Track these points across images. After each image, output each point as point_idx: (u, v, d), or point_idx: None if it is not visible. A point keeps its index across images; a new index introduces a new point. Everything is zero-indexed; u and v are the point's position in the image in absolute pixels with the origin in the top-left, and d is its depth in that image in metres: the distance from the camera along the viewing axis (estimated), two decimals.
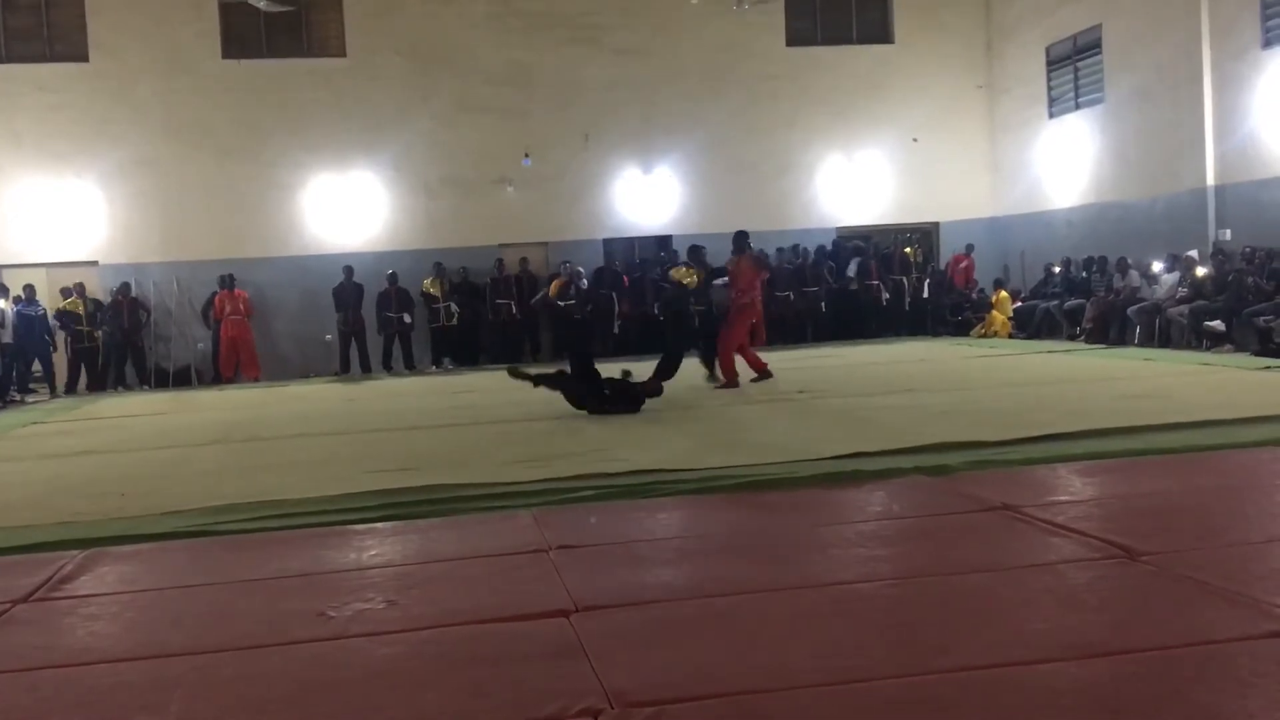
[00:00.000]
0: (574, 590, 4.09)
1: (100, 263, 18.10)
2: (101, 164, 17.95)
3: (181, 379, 17.85)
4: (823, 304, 18.75)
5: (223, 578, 4.69)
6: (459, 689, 3.21)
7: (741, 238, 12.47)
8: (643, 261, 19.29)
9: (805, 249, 19.35)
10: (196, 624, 4.04)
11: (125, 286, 17.38)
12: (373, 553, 5.03)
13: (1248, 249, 14.01)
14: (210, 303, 17.69)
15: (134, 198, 18.17)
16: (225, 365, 17.61)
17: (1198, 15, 15.02)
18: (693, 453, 7.21)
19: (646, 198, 19.62)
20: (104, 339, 17.14)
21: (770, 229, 19.48)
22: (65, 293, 16.95)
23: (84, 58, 18.06)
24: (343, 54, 18.78)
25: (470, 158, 19.00)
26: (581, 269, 18.56)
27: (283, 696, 3.25)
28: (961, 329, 18.62)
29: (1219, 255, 14.39)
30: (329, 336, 18.26)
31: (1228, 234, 14.83)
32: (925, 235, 20.63)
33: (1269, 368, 10.94)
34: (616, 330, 18.42)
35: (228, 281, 17.58)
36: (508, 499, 6.01)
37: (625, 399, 9.85)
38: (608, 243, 19.49)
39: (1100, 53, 17.34)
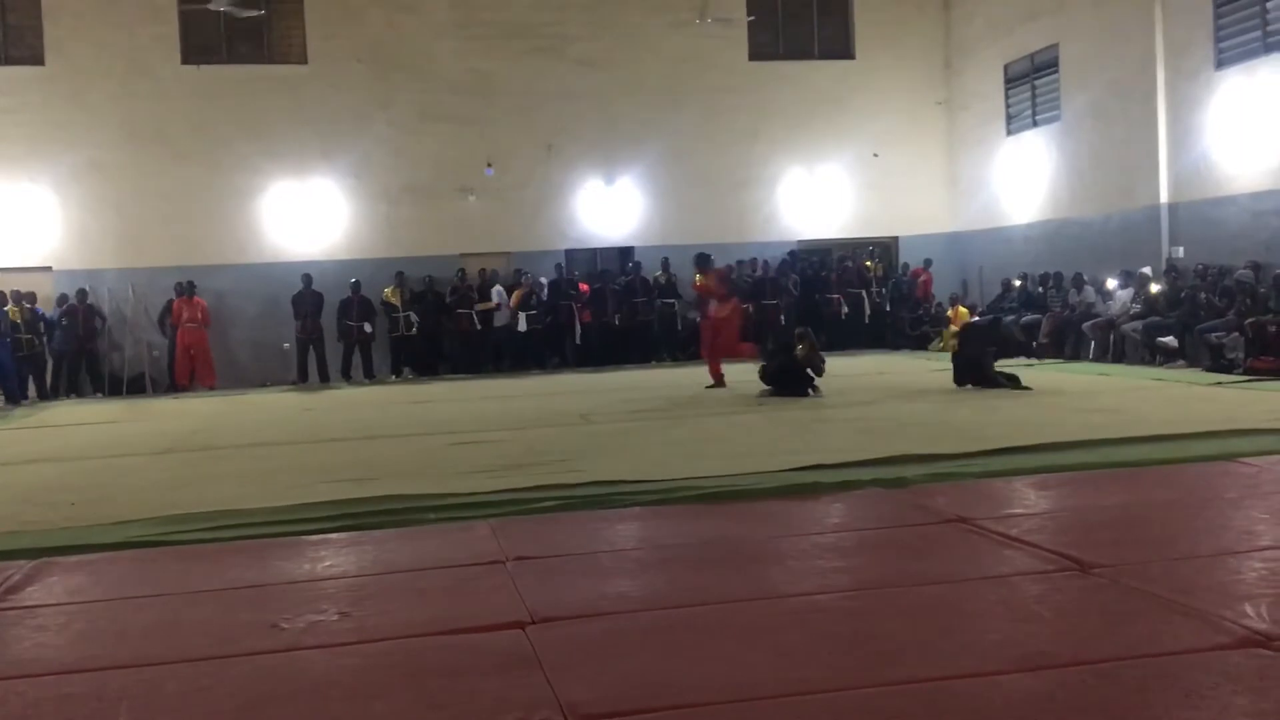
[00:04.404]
0: (530, 601, 4.07)
1: (54, 268, 17.85)
2: (56, 168, 17.72)
3: (136, 387, 17.62)
4: (782, 316, 18.83)
5: (174, 589, 4.63)
6: (412, 701, 3.18)
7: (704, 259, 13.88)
8: (604, 272, 19.31)
9: (766, 261, 19.44)
10: (146, 635, 3.97)
11: (81, 293, 17.13)
12: (327, 564, 4.98)
13: (1200, 266, 14.24)
14: (168, 309, 17.49)
15: (89, 203, 17.95)
16: (180, 373, 17.40)
17: (1152, 36, 15.27)
18: (652, 464, 7.21)
19: (609, 209, 19.64)
20: (57, 346, 16.88)
21: (731, 241, 19.57)
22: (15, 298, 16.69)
23: (40, 61, 17.84)
24: (304, 61, 18.68)
25: (432, 166, 18.93)
26: (543, 279, 18.56)
27: (233, 709, 3.20)
28: (920, 343, 18.76)
29: (1172, 272, 14.61)
30: (287, 345, 18.11)
31: (1181, 251, 15.06)
32: (885, 249, 20.80)
33: (1220, 383, 11.12)
34: (579, 340, 18.41)
35: (186, 288, 17.39)
36: (466, 509, 5.97)
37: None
38: (569, 253, 19.47)
39: (1057, 71, 17.59)
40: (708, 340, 13.34)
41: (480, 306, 18.06)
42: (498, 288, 18.25)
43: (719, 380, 13.02)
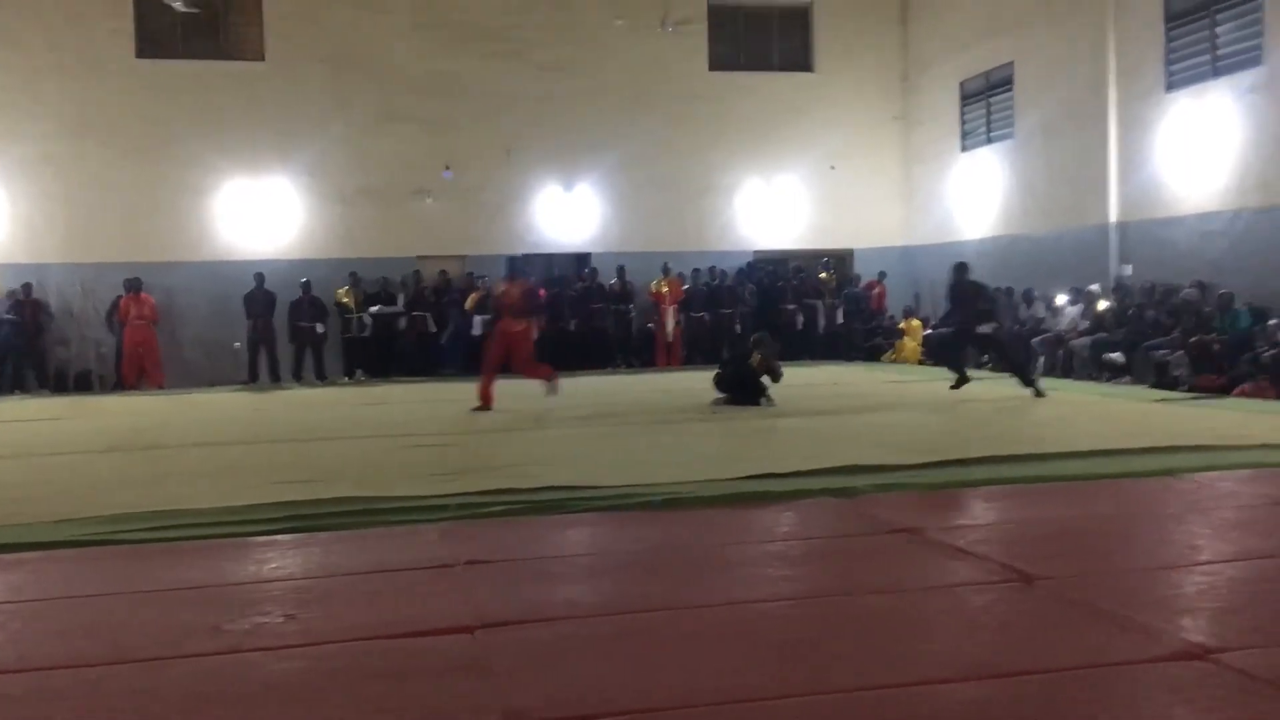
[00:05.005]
0: (479, 606, 4.06)
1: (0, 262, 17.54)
2: (4, 160, 17.51)
3: (82, 384, 17.36)
4: (738, 325, 18.90)
5: (115, 588, 4.56)
6: (356, 705, 3.16)
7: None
8: (559, 277, 19.31)
9: (723, 270, 19.55)
10: (85, 635, 3.91)
11: (26, 287, 16.85)
12: (273, 565, 4.92)
13: (1147, 284, 14.48)
14: (115, 306, 17.23)
15: (37, 196, 17.66)
16: (128, 371, 17.16)
17: (1105, 58, 15.53)
18: (604, 470, 7.21)
19: (567, 214, 19.64)
20: (2, 341, 16.57)
21: (689, 250, 19.67)
22: None
23: None
24: (261, 58, 18.52)
25: (389, 167, 18.83)
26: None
27: (173, 711, 3.16)
28: (873, 354, 18.92)
29: (1120, 290, 14.85)
30: (238, 344, 17.91)
31: (1129, 269, 15.31)
32: (840, 261, 20.97)
33: (1164, 400, 11.30)
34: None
35: (134, 285, 17.15)
36: (416, 513, 5.93)
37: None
38: (526, 259, 19.43)
39: (1011, 90, 17.83)
40: (496, 354, 11.96)
41: (375, 309, 17.96)
42: (402, 295, 18.15)
43: (486, 402, 11.69)
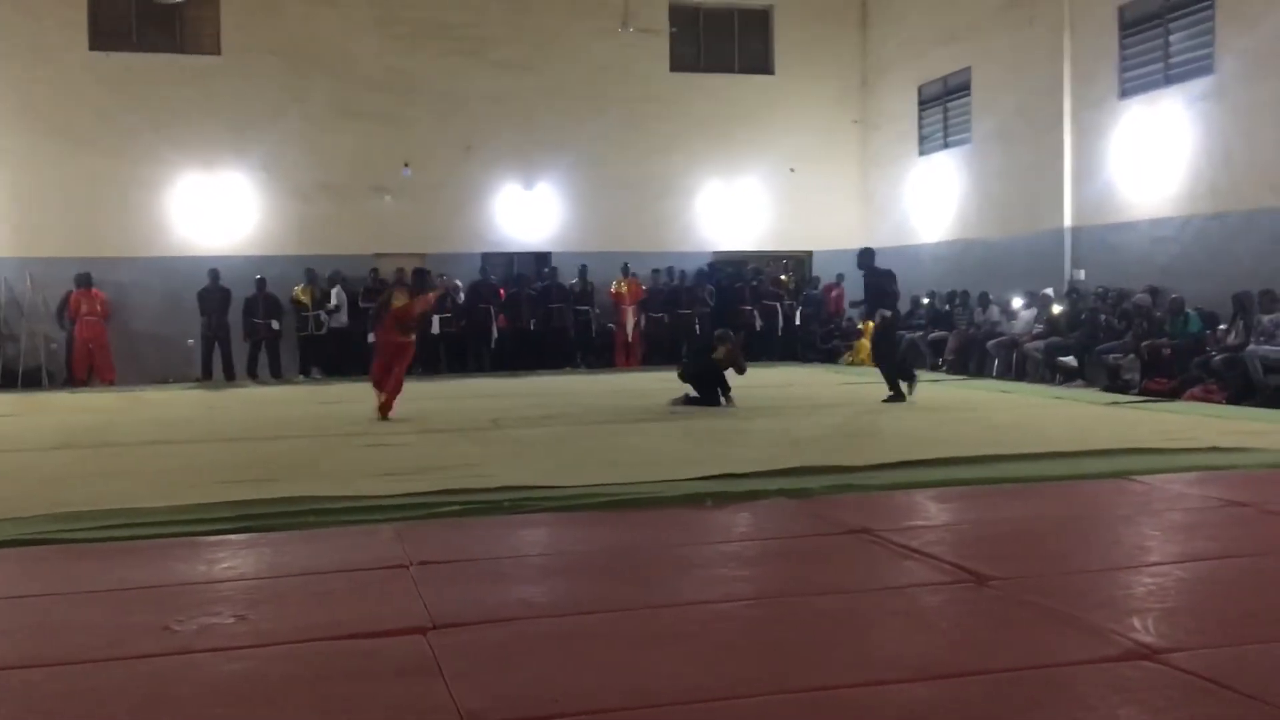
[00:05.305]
0: (433, 606, 4.03)
1: None
2: None
3: (31, 380, 17.05)
4: (697, 326, 18.91)
5: (62, 588, 4.48)
6: (307, 707, 3.12)
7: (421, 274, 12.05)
8: (519, 276, 19.25)
9: (683, 271, 19.59)
10: (29, 636, 3.84)
11: None
12: (224, 565, 4.86)
13: (1100, 289, 14.66)
14: (65, 302, 16.96)
15: None
16: (78, 367, 16.90)
17: (1060, 64, 15.71)
18: (560, 471, 7.19)
19: (527, 213, 19.57)
20: None
21: (648, 250, 19.66)
22: None
23: None
24: (217, 51, 18.29)
25: (347, 164, 18.66)
26: (459, 282, 18.41)
27: (120, 712, 3.11)
28: (830, 356, 19.02)
29: (1073, 294, 15.02)
30: (191, 341, 17.70)
31: (1082, 274, 15.49)
32: (799, 263, 21.07)
33: (1116, 403, 11.45)
34: (493, 345, 18.33)
35: (84, 280, 16.88)
36: (369, 513, 5.88)
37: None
38: (486, 257, 19.34)
39: (969, 95, 17.98)
40: (383, 364, 11.28)
41: (328, 306, 17.82)
42: (337, 289, 18.02)
43: (387, 409, 10.97)
